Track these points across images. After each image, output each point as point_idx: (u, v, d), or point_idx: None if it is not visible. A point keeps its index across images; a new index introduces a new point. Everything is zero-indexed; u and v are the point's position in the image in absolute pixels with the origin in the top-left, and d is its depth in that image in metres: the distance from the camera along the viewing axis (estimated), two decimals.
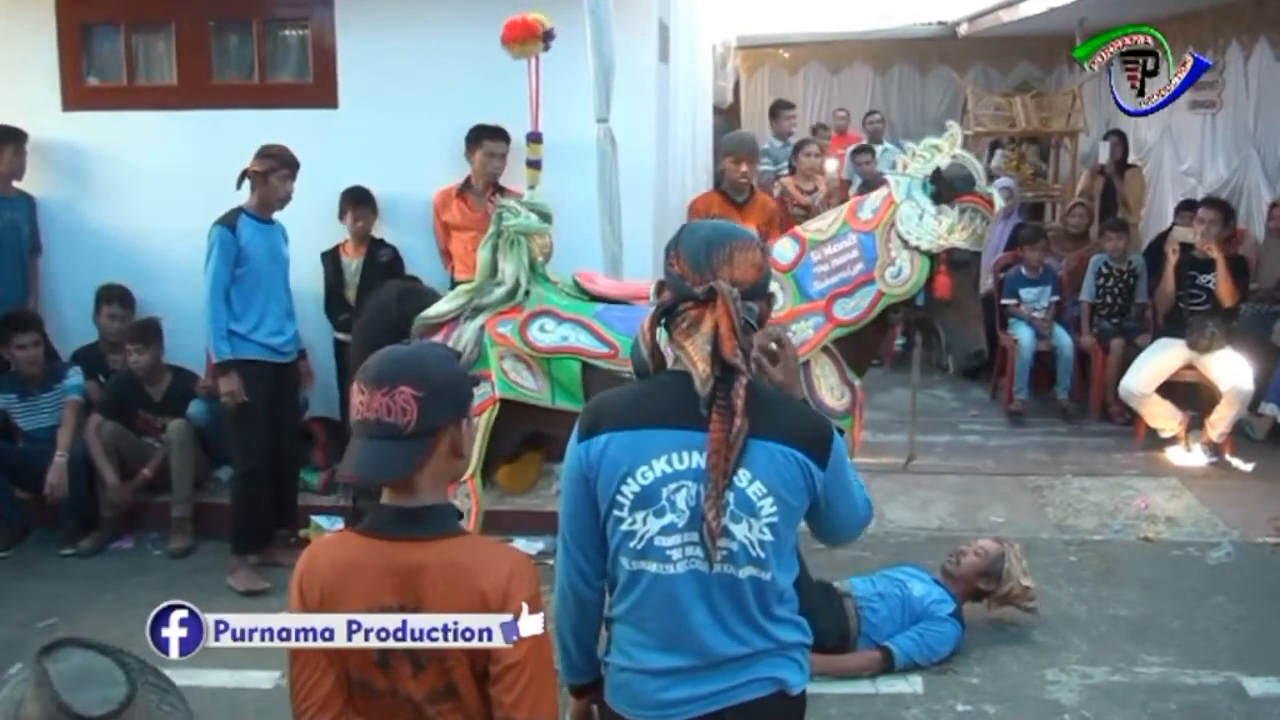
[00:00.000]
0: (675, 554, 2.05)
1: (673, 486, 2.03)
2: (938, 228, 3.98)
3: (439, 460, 1.92)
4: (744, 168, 5.90)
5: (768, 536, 2.04)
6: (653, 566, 2.06)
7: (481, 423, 4.07)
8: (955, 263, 4.01)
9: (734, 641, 2.08)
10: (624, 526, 2.07)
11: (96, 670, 2.10)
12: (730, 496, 2.01)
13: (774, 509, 2.03)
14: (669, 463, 2.04)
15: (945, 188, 3.98)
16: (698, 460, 2.01)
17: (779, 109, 9.99)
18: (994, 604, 4.54)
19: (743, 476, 2.01)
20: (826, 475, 2.09)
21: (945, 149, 4.04)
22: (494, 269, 4.29)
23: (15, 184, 5.99)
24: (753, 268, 2.07)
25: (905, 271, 4.02)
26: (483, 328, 4.18)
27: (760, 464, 2.02)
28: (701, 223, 2.24)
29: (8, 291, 5.93)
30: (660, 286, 2.14)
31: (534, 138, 4.80)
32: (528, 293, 4.24)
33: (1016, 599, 4.50)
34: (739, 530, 2.03)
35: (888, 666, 4.19)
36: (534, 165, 4.79)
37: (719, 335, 1.98)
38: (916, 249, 4.00)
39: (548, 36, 4.54)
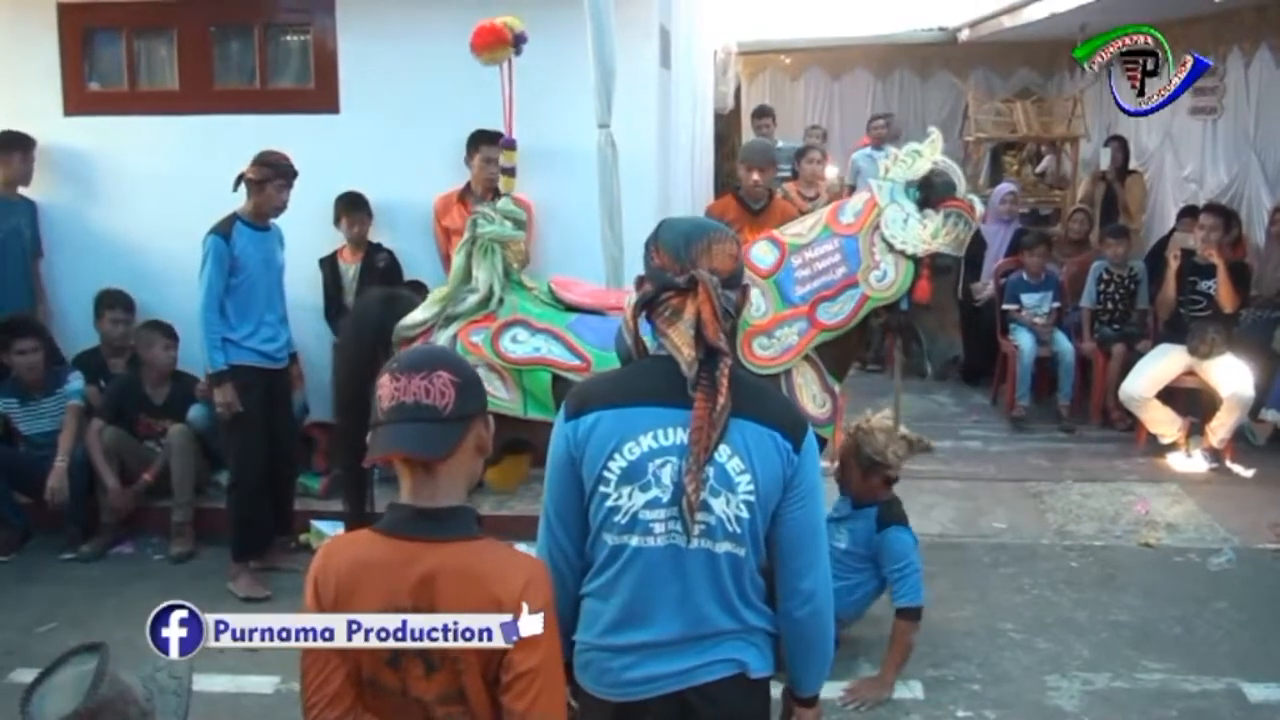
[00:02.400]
0: (658, 528, 2.11)
1: (658, 462, 2.10)
2: (922, 232, 3.97)
3: (466, 454, 1.93)
4: (756, 176, 5.90)
5: (744, 514, 2.10)
6: (635, 540, 2.12)
7: None
8: (938, 267, 4.01)
9: (699, 620, 2.14)
10: (609, 502, 2.12)
11: (80, 681, 2.15)
12: (710, 471, 2.07)
13: (750, 485, 2.10)
14: (655, 439, 2.11)
15: (930, 192, 3.98)
16: (682, 437, 2.09)
17: (754, 117, 10.00)
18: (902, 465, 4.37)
19: (723, 452, 2.08)
20: (801, 459, 2.14)
21: (927, 154, 4.04)
22: (468, 275, 4.29)
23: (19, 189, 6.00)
24: (729, 258, 2.16)
25: (890, 275, 4.00)
26: (455, 336, 4.19)
27: (740, 441, 2.10)
28: (679, 218, 2.32)
29: (14, 296, 5.93)
30: (640, 280, 2.21)
31: (508, 144, 4.76)
32: (501, 300, 4.25)
33: (910, 452, 4.35)
34: (717, 504, 2.09)
35: (917, 616, 4.16)
36: (508, 172, 4.76)
37: (701, 320, 2.07)
38: (902, 253, 3.99)
39: (518, 41, 4.47)
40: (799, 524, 2.17)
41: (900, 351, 4.46)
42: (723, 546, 2.11)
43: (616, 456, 2.11)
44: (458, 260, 4.34)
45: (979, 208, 4.12)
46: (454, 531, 1.91)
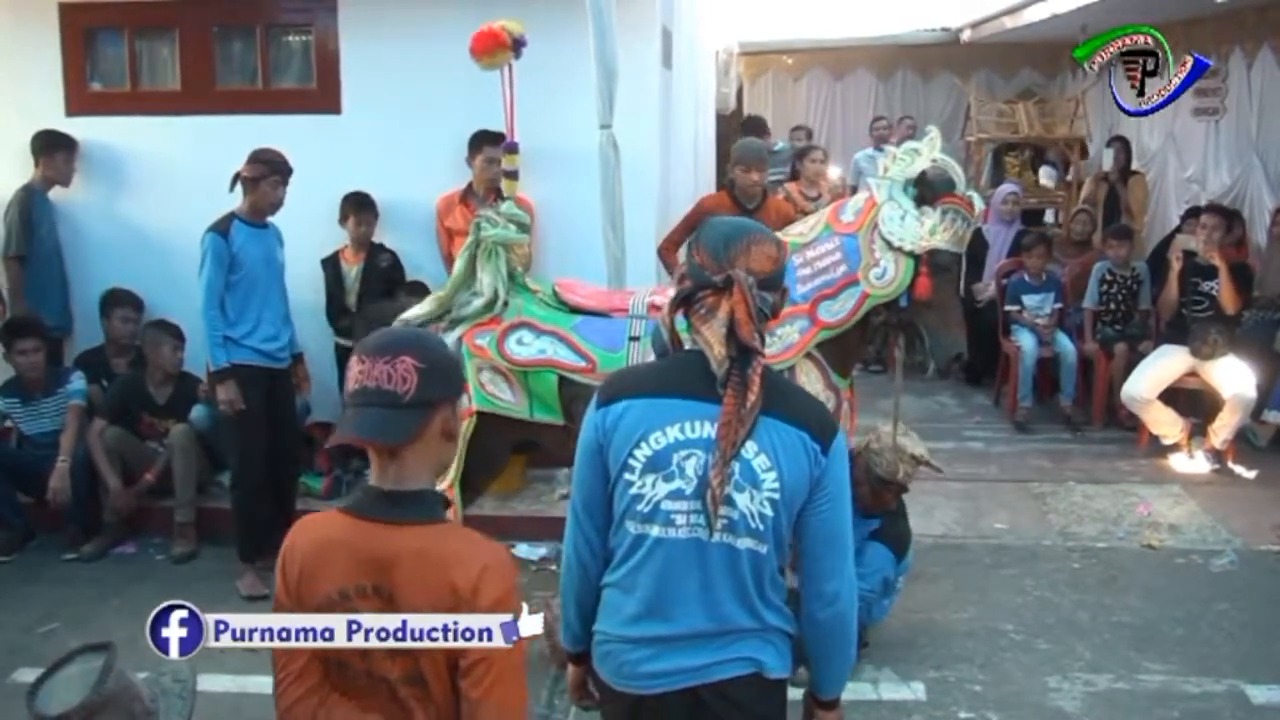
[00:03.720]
0: (680, 519, 2.13)
1: (684, 453, 2.12)
2: (919, 228, 3.96)
3: (431, 438, 1.92)
4: (754, 176, 5.89)
5: (767, 510, 2.11)
6: (656, 530, 2.14)
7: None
8: (937, 264, 4.01)
9: (719, 616, 2.15)
10: (633, 490, 2.15)
11: (86, 677, 2.16)
12: (735, 466, 2.09)
13: (776, 483, 2.11)
14: (682, 430, 2.13)
15: (926, 189, 3.98)
16: (709, 430, 2.10)
17: (744, 128, 9.92)
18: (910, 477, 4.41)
19: (749, 448, 2.10)
20: (829, 461, 2.16)
21: (925, 152, 4.04)
22: (468, 278, 4.29)
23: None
24: (768, 259, 2.19)
25: (890, 272, 4.00)
26: (461, 340, 4.19)
27: (767, 438, 2.11)
28: (723, 219, 2.35)
29: (54, 296, 5.98)
30: (681, 277, 2.25)
31: (510, 148, 4.75)
32: (506, 303, 4.26)
33: (920, 466, 4.38)
34: (741, 500, 2.10)
35: None
36: (511, 176, 4.75)
37: (735, 319, 2.09)
38: (900, 250, 3.99)
39: (518, 44, 4.45)
40: (826, 525, 2.18)
41: (902, 351, 4.45)
42: (744, 542, 2.13)
43: (642, 445, 2.13)
44: (459, 263, 4.33)
45: (978, 204, 4.11)
46: (416, 515, 1.92)
